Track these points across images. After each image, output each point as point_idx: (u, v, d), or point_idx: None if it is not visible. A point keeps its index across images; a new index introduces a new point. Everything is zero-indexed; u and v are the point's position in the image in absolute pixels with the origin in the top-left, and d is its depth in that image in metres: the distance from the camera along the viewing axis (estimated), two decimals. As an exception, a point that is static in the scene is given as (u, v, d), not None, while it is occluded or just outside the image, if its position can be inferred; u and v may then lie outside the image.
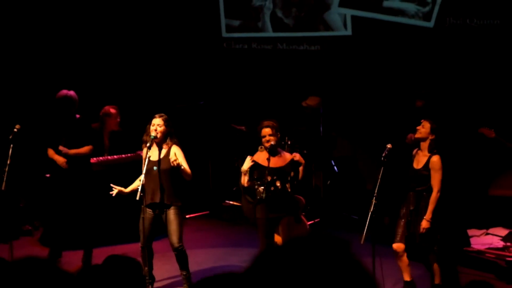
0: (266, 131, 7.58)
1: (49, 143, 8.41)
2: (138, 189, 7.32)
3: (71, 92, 8.40)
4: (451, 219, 8.96)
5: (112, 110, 9.87)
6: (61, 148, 8.32)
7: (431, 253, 7.41)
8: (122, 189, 7.56)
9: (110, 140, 9.89)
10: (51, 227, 8.94)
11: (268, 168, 7.50)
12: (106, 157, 9.69)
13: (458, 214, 9.19)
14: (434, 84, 10.31)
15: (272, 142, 7.54)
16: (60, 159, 8.31)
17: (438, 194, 7.26)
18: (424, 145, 7.36)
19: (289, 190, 7.61)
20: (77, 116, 8.47)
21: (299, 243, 1.90)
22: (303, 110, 10.62)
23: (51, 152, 8.40)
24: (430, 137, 7.33)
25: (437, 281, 7.49)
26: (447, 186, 8.92)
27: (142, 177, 7.48)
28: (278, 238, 7.78)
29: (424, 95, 9.67)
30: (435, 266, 7.44)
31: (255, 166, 7.58)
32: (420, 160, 7.38)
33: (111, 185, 7.56)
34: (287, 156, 7.70)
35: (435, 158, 7.28)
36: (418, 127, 7.38)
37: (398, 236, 7.43)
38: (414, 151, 7.51)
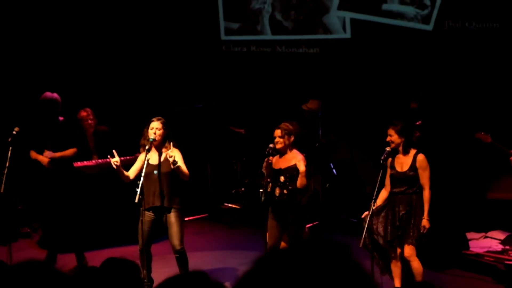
0: (276, 132, 7.59)
1: (32, 145, 8.40)
2: (136, 189, 7.32)
3: (55, 95, 8.41)
4: (450, 222, 8.96)
5: (83, 113, 9.78)
6: (46, 153, 8.29)
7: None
8: (118, 161, 7.46)
9: (95, 141, 9.83)
10: (45, 229, 8.95)
11: (270, 170, 7.55)
12: (105, 160, 9.67)
13: (457, 217, 9.19)
14: (433, 86, 10.31)
15: (279, 145, 7.55)
16: (44, 159, 8.30)
17: (430, 191, 7.19)
18: (400, 148, 7.29)
19: (277, 195, 7.53)
20: (61, 118, 8.46)
21: (299, 247, 1.91)
22: (302, 113, 10.62)
23: (33, 154, 8.39)
24: (402, 139, 7.27)
25: (419, 278, 7.37)
26: (445, 189, 8.94)
27: (129, 172, 7.56)
28: (283, 245, 7.72)
29: (419, 97, 9.66)
30: (417, 266, 7.28)
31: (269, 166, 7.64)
32: (403, 162, 7.29)
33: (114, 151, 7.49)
34: (293, 160, 7.58)
35: (421, 157, 7.22)
36: (387, 139, 7.30)
37: (385, 239, 7.34)
38: (389, 160, 7.39)
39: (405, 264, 7.33)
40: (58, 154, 8.31)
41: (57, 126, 8.38)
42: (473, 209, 9.69)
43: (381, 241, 7.30)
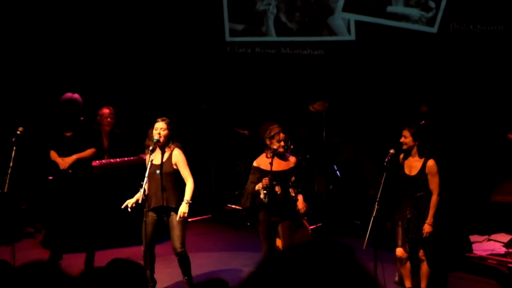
0: (282, 136, 7.62)
1: (52, 146, 8.41)
2: (140, 190, 7.36)
3: (76, 95, 8.40)
4: (453, 225, 8.96)
5: (105, 110, 9.85)
6: (62, 162, 8.29)
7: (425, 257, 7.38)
8: (129, 202, 7.55)
9: (109, 141, 9.89)
10: (53, 229, 8.94)
11: (271, 172, 7.53)
12: (109, 160, 9.70)
13: (460, 220, 9.18)
14: (438, 89, 10.31)
15: (282, 149, 7.65)
16: (62, 163, 8.30)
17: (438, 197, 7.24)
18: (413, 151, 7.32)
19: (293, 194, 7.61)
20: (81, 118, 8.47)
21: (303, 249, 1.91)
22: (310, 114, 10.61)
23: (53, 155, 8.39)
24: (416, 143, 7.29)
25: (423, 285, 7.46)
26: (448, 191, 8.92)
27: (145, 181, 7.52)
28: (279, 242, 7.77)
29: (428, 100, 9.67)
30: (426, 270, 7.39)
31: (260, 170, 7.61)
32: (413, 166, 7.31)
33: (124, 205, 7.57)
34: (291, 159, 7.76)
35: (431, 163, 7.25)
36: (401, 140, 7.34)
37: (400, 242, 7.41)
38: (401, 156, 7.45)
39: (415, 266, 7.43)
40: (75, 157, 8.30)
41: (77, 127, 8.38)
42: (477, 211, 9.68)
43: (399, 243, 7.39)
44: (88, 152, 8.41)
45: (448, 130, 9.88)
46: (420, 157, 7.29)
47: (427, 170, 7.22)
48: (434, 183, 7.22)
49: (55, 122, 8.50)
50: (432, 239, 7.27)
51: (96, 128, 9.82)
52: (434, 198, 7.22)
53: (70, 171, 8.28)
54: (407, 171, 7.32)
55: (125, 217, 9.28)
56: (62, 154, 8.33)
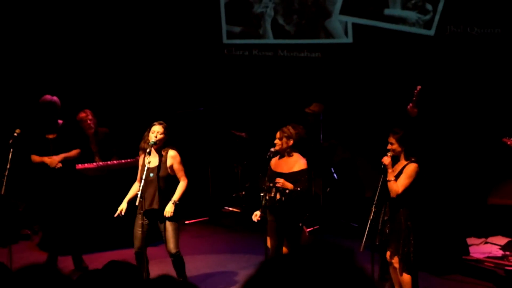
0: (277, 134, 7.57)
1: (32, 149, 8.40)
2: (137, 194, 7.37)
3: (54, 98, 8.44)
4: (450, 228, 8.96)
5: (82, 114, 9.78)
6: (48, 161, 8.30)
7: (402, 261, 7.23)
8: (122, 208, 7.57)
9: (97, 143, 9.84)
10: (46, 231, 8.97)
11: (271, 173, 7.54)
12: (106, 162, 9.68)
13: (457, 222, 9.18)
14: (434, 91, 10.31)
15: (277, 147, 7.54)
16: (51, 161, 8.30)
17: (398, 193, 7.09)
18: (400, 156, 7.23)
19: (277, 198, 7.45)
20: (60, 122, 8.47)
21: (301, 251, 1.91)
22: (306, 116, 10.61)
23: (36, 158, 8.39)
24: (403, 148, 7.17)
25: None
26: (445, 194, 8.93)
27: (135, 185, 7.59)
28: (285, 250, 7.73)
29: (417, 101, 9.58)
30: (403, 275, 7.26)
31: (269, 170, 7.62)
32: (396, 168, 7.25)
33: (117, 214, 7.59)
34: (296, 165, 7.57)
35: (411, 166, 7.11)
36: (388, 147, 7.23)
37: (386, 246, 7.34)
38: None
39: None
40: (61, 156, 8.33)
41: (58, 129, 8.40)
42: (474, 214, 9.68)
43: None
44: (74, 152, 8.46)
45: (444, 132, 9.88)
46: (405, 160, 7.20)
47: (404, 170, 7.12)
48: (401, 180, 7.07)
49: (35, 125, 8.50)
50: (407, 245, 7.13)
51: (81, 133, 9.80)
52: (393, 187, 7.10)
53: (60, 165, 8.28)
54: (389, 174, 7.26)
55: (121, 220, 9.32)
56: (47, 156, 8.34)
